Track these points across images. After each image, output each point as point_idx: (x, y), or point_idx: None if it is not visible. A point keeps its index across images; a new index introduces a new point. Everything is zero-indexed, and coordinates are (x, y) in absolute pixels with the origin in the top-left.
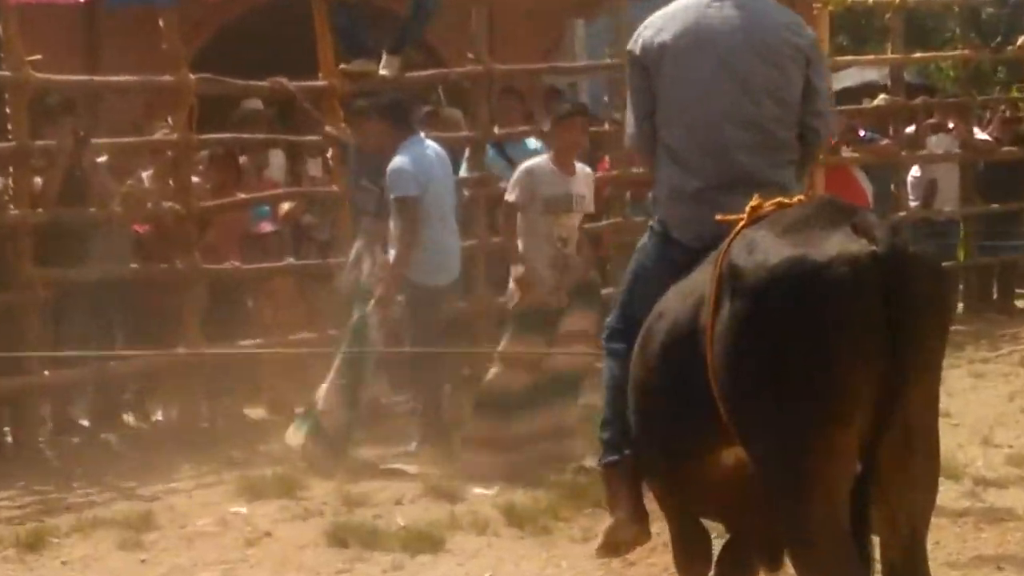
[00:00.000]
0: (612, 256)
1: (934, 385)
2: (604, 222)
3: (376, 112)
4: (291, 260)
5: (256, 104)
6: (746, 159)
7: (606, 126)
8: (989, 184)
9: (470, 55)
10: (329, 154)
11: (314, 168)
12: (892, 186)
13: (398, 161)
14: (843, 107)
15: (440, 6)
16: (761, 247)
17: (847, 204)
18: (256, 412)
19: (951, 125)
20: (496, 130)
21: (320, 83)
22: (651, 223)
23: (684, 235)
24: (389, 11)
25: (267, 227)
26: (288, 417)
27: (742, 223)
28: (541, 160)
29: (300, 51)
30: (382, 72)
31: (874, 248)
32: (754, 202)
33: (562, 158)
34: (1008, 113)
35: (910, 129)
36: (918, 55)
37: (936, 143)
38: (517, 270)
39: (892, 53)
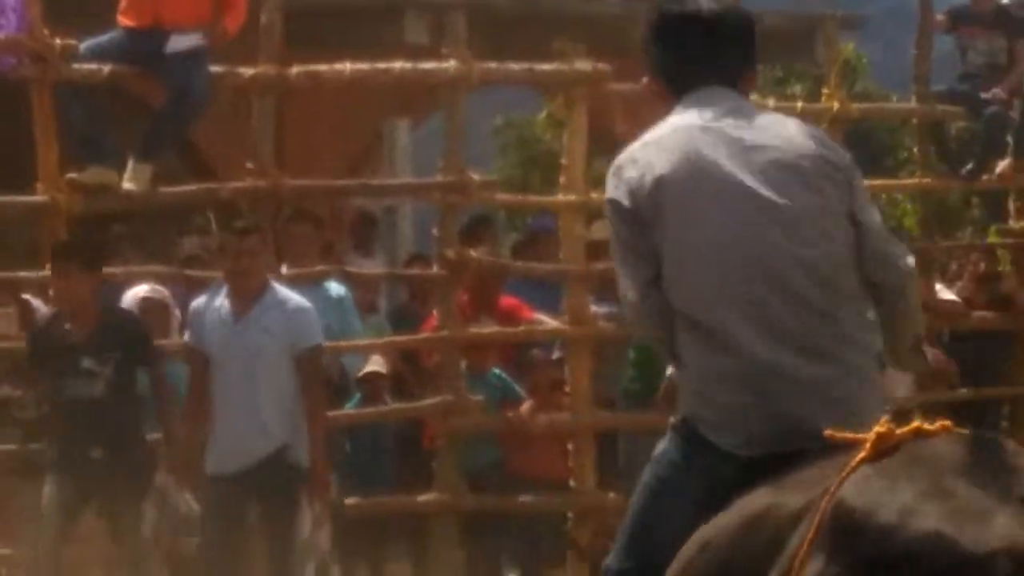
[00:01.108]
0: (441, 450)
1: None
2: (427, 401)
3: None
4: None
5: None
6: (803, 320)
7: (435, 267)
8: (957, 362)
9: (250, 165)
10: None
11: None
12: None
13: (299, 298)
14: None
15: (210, 96)
16: (894, 503)
17: (1016, 448)
18: None
19: None
20: (284, 269)
21: (39, 198)
22: (672, 422)
23: (723, 437)
24: (140, 100)
25: None
26: None
27: (864, 453)
28: None
29: (10, 154)
30: (126, 185)
31: None
32: (882, 427)
33: None
34: (983, 265)
35: None
36: (866, 182)
37: None
38: None
39: None
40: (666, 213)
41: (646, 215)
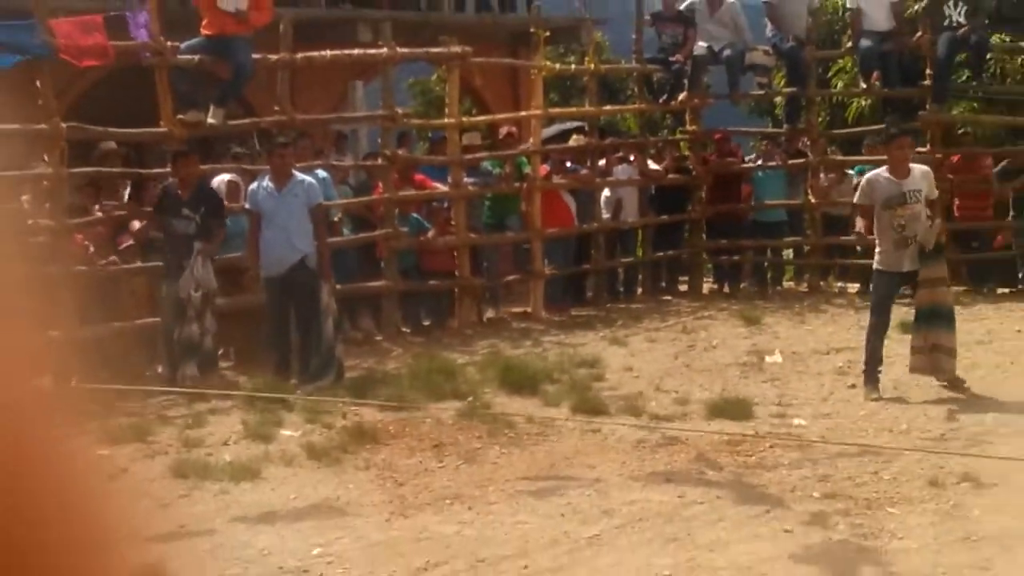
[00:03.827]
0: (387, 257)
1: None
2: (379, 231)
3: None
4: (140, 264)
5: (110, 145)
6: None
7: (380, 160)
8: (659, 202)
9: (277, 108)
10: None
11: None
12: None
13: (309, 177)
14: (553, 147)
15: (254, 71)
16: None
17: None
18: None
19: (632, 159)
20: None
21: (162, 129)
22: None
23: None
24: (215, 75)
25: (127, 239)
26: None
27: None
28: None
29: (148, 104)
30: (210, 121)
31: None
32: None
33: (896, 169)
34: (675, 151)
35: (602, 162)
36: (608, 108)
37: (621, 172)
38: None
39: (589, 106)
40: None
41: None
